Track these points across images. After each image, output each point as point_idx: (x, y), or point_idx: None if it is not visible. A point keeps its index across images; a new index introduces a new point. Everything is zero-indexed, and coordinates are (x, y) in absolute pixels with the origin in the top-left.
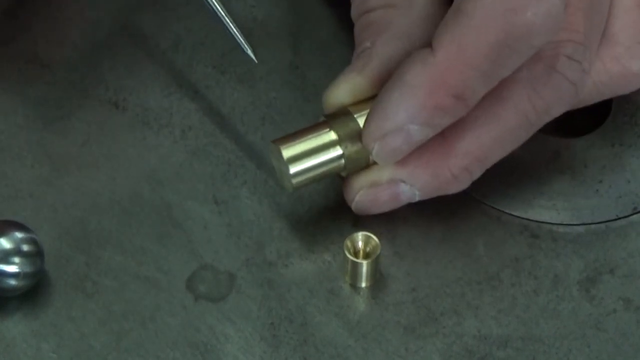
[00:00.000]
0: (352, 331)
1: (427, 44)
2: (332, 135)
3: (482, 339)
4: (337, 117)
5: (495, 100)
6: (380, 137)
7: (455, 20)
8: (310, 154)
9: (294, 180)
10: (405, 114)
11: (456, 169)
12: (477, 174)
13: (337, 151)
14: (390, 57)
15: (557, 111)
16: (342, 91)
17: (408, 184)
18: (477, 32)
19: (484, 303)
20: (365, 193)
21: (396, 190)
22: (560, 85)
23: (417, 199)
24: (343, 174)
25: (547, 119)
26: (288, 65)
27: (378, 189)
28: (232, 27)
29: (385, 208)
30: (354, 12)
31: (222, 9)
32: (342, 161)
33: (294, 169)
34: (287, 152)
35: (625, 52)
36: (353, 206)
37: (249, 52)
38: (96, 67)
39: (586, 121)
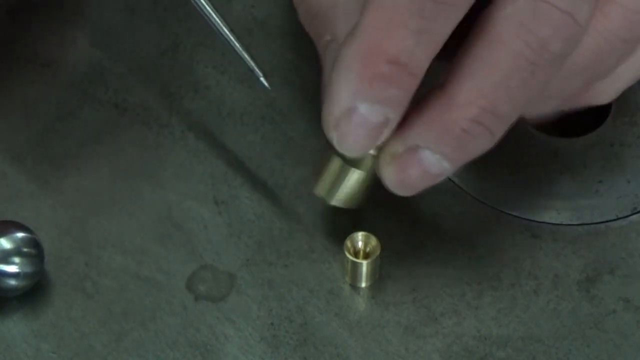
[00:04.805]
0: (352, 331)
1: None
2: (337, 162)
3: (482, 339)
4: None
5: (485, 43)
6: (335, 124)
7: None
8: (336, 184)
9: (341, 206)
10: (348, 92)
11: (464, 122)
12: (498, 128)
13: (352, 171)
14: None
15: (559, 45)
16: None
17: (426, 149)
18: None
19: (484, 303)
20: (390, 170)
21: (418, 158)
22: (551, 16)
23: (447, 166)
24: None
25: (550, 56)
26: (288, 65)
27: (400, 160)
28: (245, 54)
29: (422, 183)
30: None
31: (234, 37)
32: (364, 173)
33: (332, 201)
34: (318, 191)
35: None
36: (391, 187)
37: (262, 79)
38: (96, 67)
39: (586, 121)
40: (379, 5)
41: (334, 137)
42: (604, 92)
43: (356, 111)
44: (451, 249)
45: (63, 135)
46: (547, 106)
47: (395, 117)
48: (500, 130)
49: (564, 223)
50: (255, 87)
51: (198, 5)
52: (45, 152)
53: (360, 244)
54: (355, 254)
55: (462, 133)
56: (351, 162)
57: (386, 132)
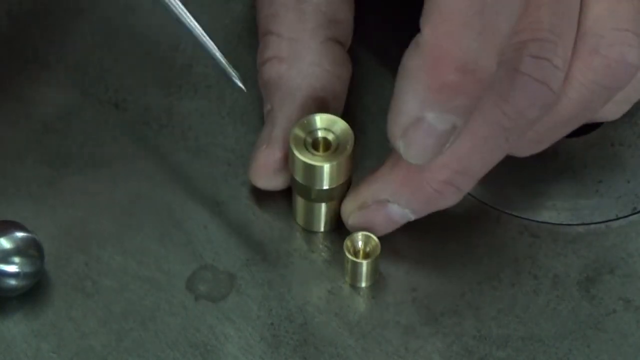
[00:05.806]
0: (352, 331)
1: (323, 91)
2: (301, 200)
3: (482, 339)
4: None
5: None
6: (402, 134)
7: None
8: (309, 217)
9: (325, 230)
10: (415, 102)
11: (436, 184)
12: (466, 186)
13: (318, 206)
14: (289, 118)
15: (535, 113)
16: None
17: (395, 203)
18: None
19: (484, 303)
20: (356, 216)
21: (386, 210)
22: (528, 87)
23: (412, 217)
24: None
25: (526, 122)
26: None
27: (367, 210)
28: (221, 58)
29: (384, 229)
30: (257, 61)
31: (209, 41)
32: (328, 204)
33: (313, 229)
34: (298, 222)
35: (601, 42)
36: (352, 230)
37: (238, 81)
38: (96, 67)
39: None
40: (438, 10)
41: (401, 146)
42: (612, 111)
43: (424, 120)
44: (451, 249)
45: (63, 135)
46: (537, 149)
47: (462, 124)
48: (468, 187)
49: (564, 223)
50: (255, 87)
51: (172, 8)
52: (45, 152)
53: (360, 244)
54: (355, 254)
55: (433, 192)
56: (315, 199)
57: (452, 140)
